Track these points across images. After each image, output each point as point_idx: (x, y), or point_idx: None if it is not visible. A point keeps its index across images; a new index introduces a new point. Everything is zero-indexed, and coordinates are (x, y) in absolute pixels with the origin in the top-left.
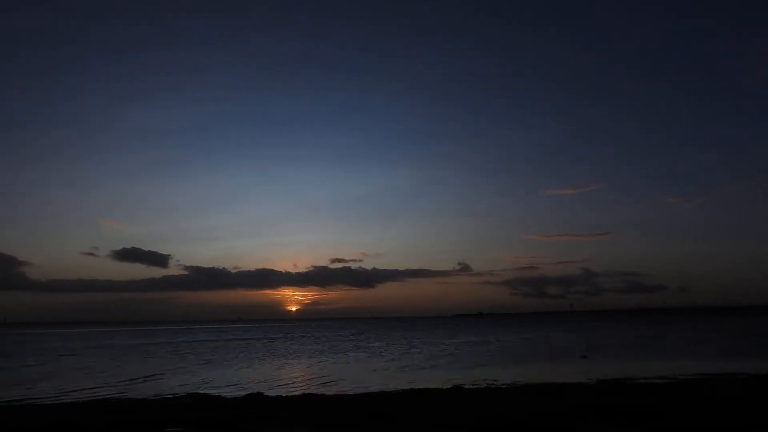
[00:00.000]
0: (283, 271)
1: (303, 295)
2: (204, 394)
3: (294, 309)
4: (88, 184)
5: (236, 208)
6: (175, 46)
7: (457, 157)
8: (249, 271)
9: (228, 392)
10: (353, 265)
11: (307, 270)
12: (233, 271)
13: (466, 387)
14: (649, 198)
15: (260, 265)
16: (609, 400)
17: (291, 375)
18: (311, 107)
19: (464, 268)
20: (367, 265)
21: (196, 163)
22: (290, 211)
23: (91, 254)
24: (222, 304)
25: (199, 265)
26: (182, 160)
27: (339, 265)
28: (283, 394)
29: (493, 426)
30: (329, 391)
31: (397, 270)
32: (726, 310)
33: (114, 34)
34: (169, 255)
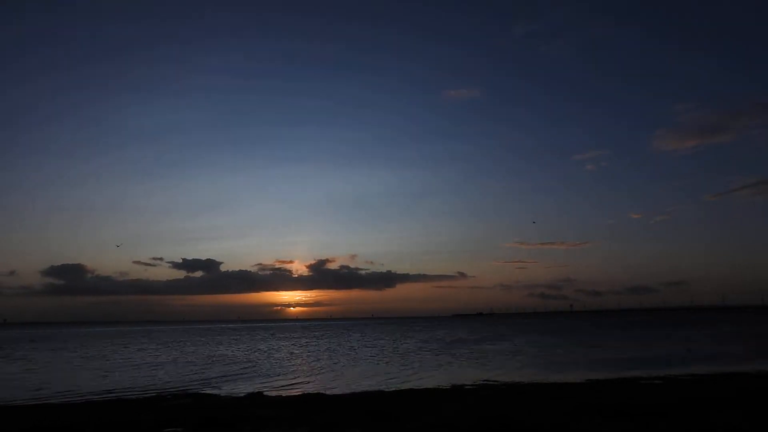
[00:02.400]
0: (284, 273)
1: (306, 297)
2: (204, 394)
3: (294, 310)
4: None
5: (238, 209)
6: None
7: (456, 159)
8: (242, 271)
9: (228, 392)
10: (360, 271)
11: (307, 273)
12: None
13: (466, 387)
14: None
15: (248, 266)
16: (611, 400)
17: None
18: (313, 107)
19: (462, 274)
20: (371, 268)
21: (197, 163)
22: (289, 213)
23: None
24: (220, 305)
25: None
26: (182, 160)
27: (344, 270)
28: (283, 394)
29: (495, 426)
30: (329, 391)
31: (396, 273)
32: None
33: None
34: (221, 261)
